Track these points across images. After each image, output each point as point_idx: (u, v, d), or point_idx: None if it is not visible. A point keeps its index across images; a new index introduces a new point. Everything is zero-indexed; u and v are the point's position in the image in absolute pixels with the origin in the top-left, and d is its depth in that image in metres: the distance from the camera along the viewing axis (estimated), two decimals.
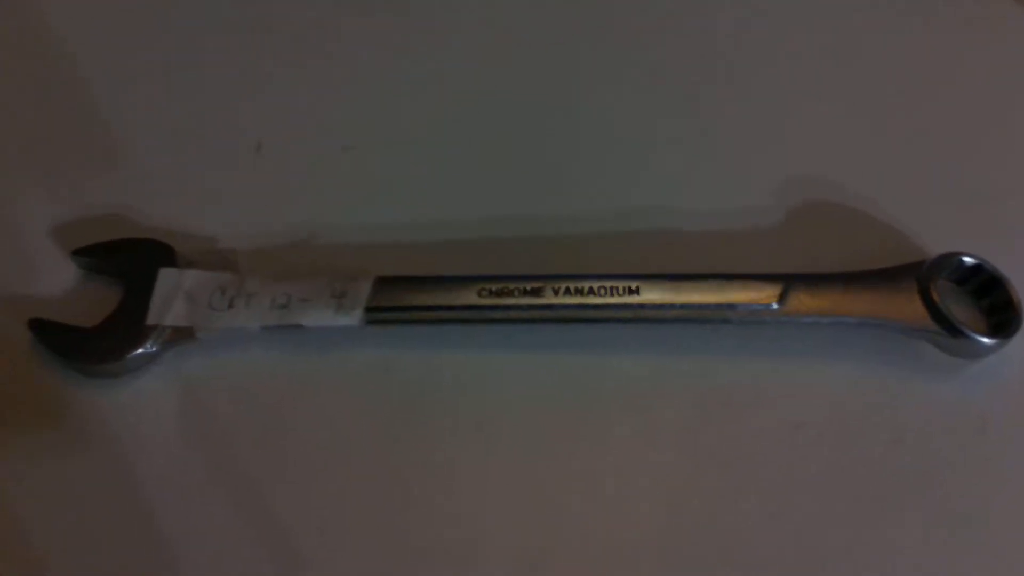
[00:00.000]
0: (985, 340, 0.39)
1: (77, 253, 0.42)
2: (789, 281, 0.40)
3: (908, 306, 0.40)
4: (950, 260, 0.41)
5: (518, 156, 0.47)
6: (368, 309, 0.40)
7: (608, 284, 0.40)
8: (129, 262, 0.41)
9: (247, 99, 0.49)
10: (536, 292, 0.40)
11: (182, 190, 0.45)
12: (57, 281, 0.42)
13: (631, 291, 0.40)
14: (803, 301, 0.40)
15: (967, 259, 0.41)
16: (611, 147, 0.47)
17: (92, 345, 0.39)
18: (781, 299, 0.40)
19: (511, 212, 0.45)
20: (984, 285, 0.41)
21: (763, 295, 0.40)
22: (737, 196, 0.45)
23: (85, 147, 0.47)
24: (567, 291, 0.40)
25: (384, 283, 0.41)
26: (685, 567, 0.37)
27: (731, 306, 0.40)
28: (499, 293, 0.40)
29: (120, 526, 0.37)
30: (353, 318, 0.40)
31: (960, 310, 0.40)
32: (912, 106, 0.49)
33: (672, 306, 0.40)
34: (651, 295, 0.40)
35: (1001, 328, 0.39)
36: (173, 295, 0.40)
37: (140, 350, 0.39)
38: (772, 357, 0.41)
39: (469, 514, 0.38)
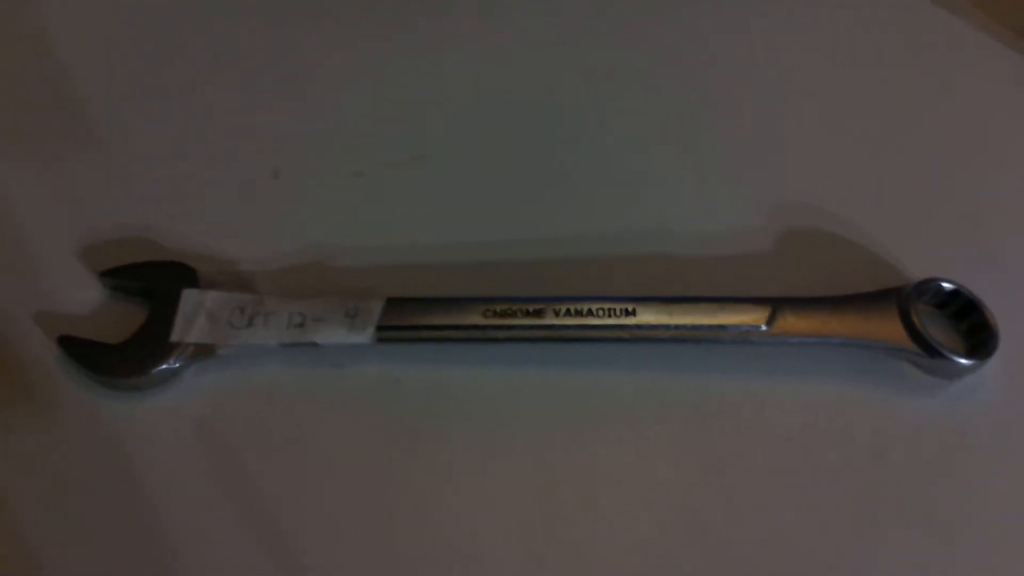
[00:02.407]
0: (963, 361, 0.41)
1: (104, 274, 0.44)
2: (777, 304, 0.42)
3: (890, 328, 0.42)
4: (929, 285, 0.43)
5: (521, 182, 0.50)
6: (379, 328, 0.42)
7: (606, 306, 0.42)
8: (154, 283, 0.44)
9: (265, 127, 0.51)
10: (538, 313, 0.43)
11: (204, 214, 0.48)
12: (84, 300, 0.45)
13: (627, 312, 0.42)
14: (790, 323, 0.42)
15: (946, 284, 0.43)
16: (611, 173, 0.50)
17: (118, 360, 0.41)
18: (770, 321, 0.42)
19: (515, 236, 0.47)
20: (962, 309, 0.43)
21: (752, 317, 0.42)
22: (729, 221, 0.48)
23: (111, 174, 0.49)
24: (567, 312, 0.42)
25: (394, 303, 0.43)
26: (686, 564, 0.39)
27: (722, 327, 0.42)
28: (503, 314, 0.43)
29: (140, 535, 0.39)
30: (365, 336, 0.42)
31: (939, 332, 0.43)
32: (897, 137, 0.51)
33: (666, 327, 0.42)
34: (646, 316, 0.42)
35: (978, 350, 0.42)
36: (196, 314, 0.43)
37: (164, 365, 0.41)
38: (761, 375, 0.43)
39: (471, 525, 0.40)
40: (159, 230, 0.47)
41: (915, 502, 0.40)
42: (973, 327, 0.43)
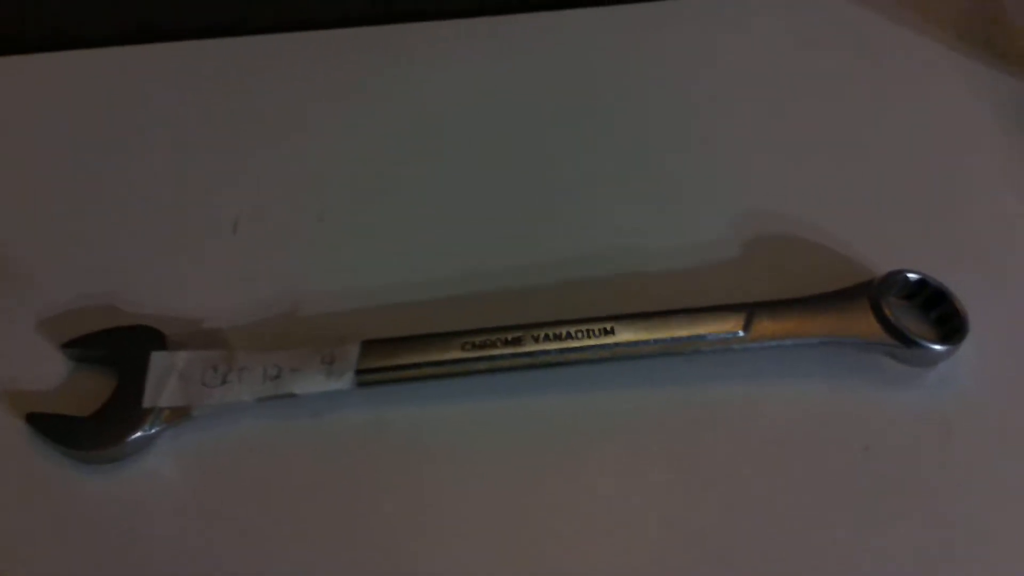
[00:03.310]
0: (937, 347, 0.42)
1: (67, 345, 0.43)
2: (752, 309, 0.43)
3: (864, 323, 0.42)
4: (896, 277, 0.44)
5: (485, 214, 0.49)
6: (358, 372, 0.42)
7: (584, 327, 0.42)
8: (120, 349, 0.43)
9: (220, 181, 0.50)
10: (517, 341, 0.42)
11: (164, 275, 0.47)
12: (49, 375, 0.43)
13: (606, 332, 0.42)
14: (767, 327, 0.42)
15: (911, 275, 0.44)
16: (575, 198, 0.50)
17: (91, 432, 0.40)
18: (746, 327, 0.42)
19: (484, 267, 0.47)
20: (929, 298, 0.44)
21: (729, 324, 0.42)
22: (695, 234, 0.48)
23: (64, 243, 0.48)
24: (546, 337, 0.42)
25: (371, 345, 0.42)
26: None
27: (701, 337, 0.42)
28: (482, 345, 0.42)
29: None
30: (344, 382, 0.41)
31: (911, 323, 0.43)
32: (848, 141, 0.52)
33: (646, 342, 0.42)
34: (625, 334, 0.42)
35: (950, 336, 0.42)
36: (167, 376, 0.42)
37: (139, 433, 0.40)
38: (743, 381, 0.43)
39: (470, 561, 0.39)
40: (120, 296, 0.46)
41: (908, 490, 0.40)
42: (942, 316, 0.44)
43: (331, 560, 0.39)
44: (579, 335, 0.42)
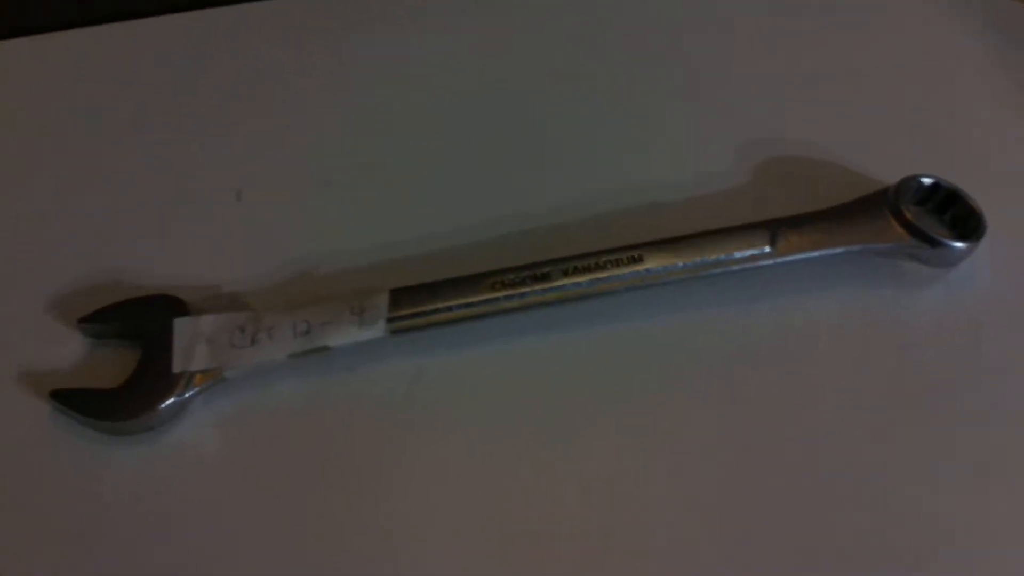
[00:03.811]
0: (960, 245, 0.42)
1: (84, 320, 0.42)
2: (776, 225, 0.43)
3: (886, 228, 0.43)
4: (911, 183, 0.44)
5: (498, 160, 0.49)
6: (389, 319, 0.41)
7: (613, 257, 0.42)
8: (140, 320, 0.41)
9: (220, 152, 0.49)
10: (546, 277, 0.42)
11: (174, 246, 0.46)
12: (67, 353, 0.42)
13: (635, 260, 0.42)
14: (792, 241, 0.43)
15: (925, 179, 0.44)
16: (586, 138, 0.50)
17: (123, 402, 0.39)
18: (772, 242, 0.42)
19: (501, 213, 0.47)
20: (943, 201, 0.45)
21: (756, 241, 0.42)
22: (706, 163, 0.48)
23: (71, 220, 0.46)
24: (575, 270, 0.42)
25: (399, 293, 0.42)
26: (739, 494, 0.39)
27: (729, 257, 0.42)
28: (511, 284, 0.42)
29: (175, 569, 0.37)
30: (377, 330, 0.41)
31: (929, 225, 0.44)
32: (842, 65, 0.53)
33: (675, 267, 0.42)
34: (654, 260, 0.42)
35: (970, 234, 0.43)
36: (194, 341, 0.40)
37: (172, 399, 0.39)
38: (773, 299, 0.43)
39: (516, 507, 0.39)
40: (129, 270, 0.44)
41: (946, 386, 0.41)
42: (956, 216, 0.44)
43: (380, 515, 0.38)
44: (608, 265, 0.42)
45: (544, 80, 0.53)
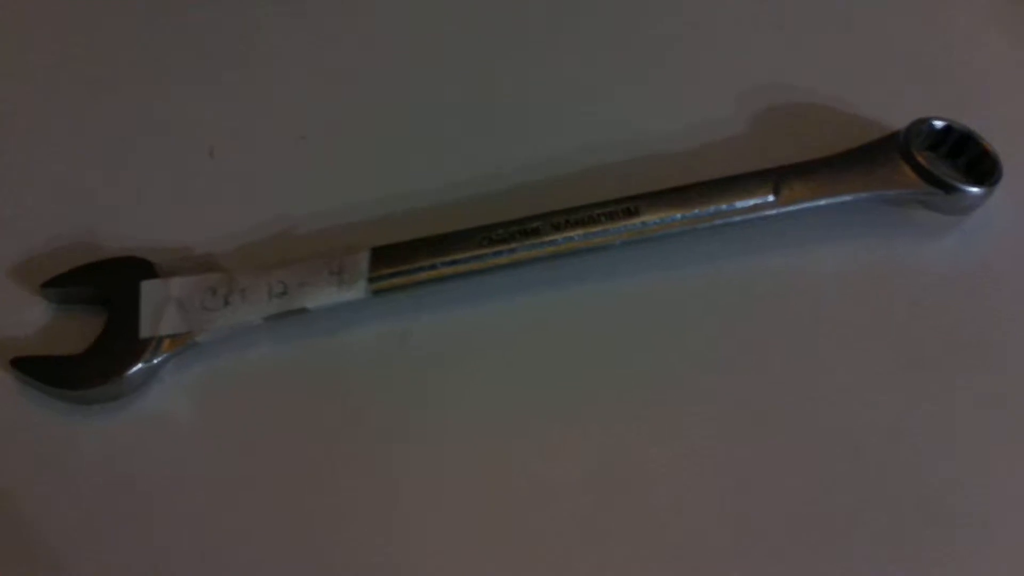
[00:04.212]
0: (975, 190, 0.40)
1: (47, 285, 0.39)
2: (780, 174, 0.40)
3: (897, 174, 0.41)
4: (922, 126, 0.42)
5: (481, 112, 0.46)
6: (370, 279, 0.38)
7: (607, 210, 0.40)
8: (106, 283, 0.39)
9: (188, 108, 0.46)
10: (536, 232, 0.40)
11: (142, 206, 0.43)
12: (29, 320, 0.39)
13: (630, 212, 0.40)
14: (797, 190, 0.40)
15: (936, 122, 0.42)
16: (573, 84, 0.47)
17: (87, 369, 0.37)
18: (776, 191, 0.40)
19: (486, 169, 0.44)
20: (956, 144, 0.42)
21: (758, 191, 0.40)
22: (702, 110, 0.46)
23: (34, 181, 0.44)
24: (567, 223, 0.39)
25: (380, 251, 0.39)
26: (742, 454, 0.37)
27: (731, 207, 0.40)
28: (500, 239, 0.39)
29: (144, 549, 0.35)
30: (358, 290, 0.38)
31: (942, 170, 0.41)
32: (836, 10, 0.50)
33: (673, 219, 0.40)
34: (650, 213, 0.40)
35: (984, 178, 0.41)
36: (163, 305, 0.38)
37: (139, 365, 0.37)
38: (777, 251, 0.41)
39: (504, 471, 0.37)
40: (96, 232, 0.42)
41: (961, 340, 0.39)
42: (971, 160, 0.42)
43: (362, 484, 0.36)
44: (602, 218, 0.40)
45: (531, 22, 0.50)
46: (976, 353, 0.38)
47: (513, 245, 0.39)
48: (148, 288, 0.38)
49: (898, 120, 0.43)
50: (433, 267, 0.39)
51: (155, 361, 0.37)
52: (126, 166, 0.44)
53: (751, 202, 0.40)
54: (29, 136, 0.45)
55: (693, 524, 0.36)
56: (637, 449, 0.37)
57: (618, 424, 0.37)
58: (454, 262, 0.39)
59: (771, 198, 0.40)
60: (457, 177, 0.44)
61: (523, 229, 0.40)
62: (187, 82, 0.48)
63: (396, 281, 0.39)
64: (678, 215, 0.40)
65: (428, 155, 0.45)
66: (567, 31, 0.49)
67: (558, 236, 0.39)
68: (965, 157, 0.42)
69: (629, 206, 0.40)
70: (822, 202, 0.40)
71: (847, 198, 0.40)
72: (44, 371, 0.37)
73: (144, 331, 0.37)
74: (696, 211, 0.40)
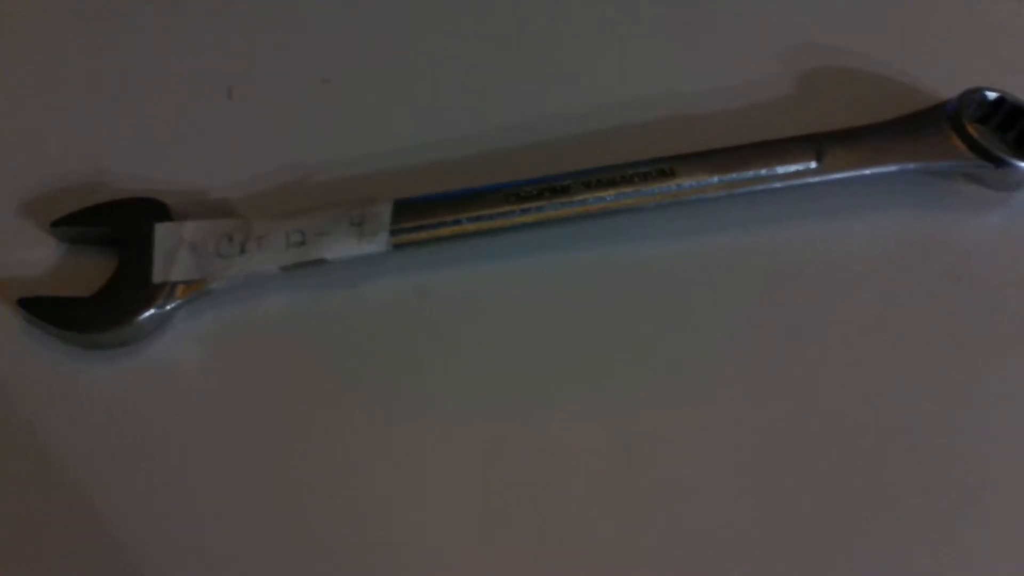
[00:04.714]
0: None
1: (57, 224, 0.38)
2: (823, 140, 0.39)
3: (945, 146, 0.39)
4: (974, 96, 0.40)
5: (514, 63, 0.44)
6: (392, 232, 0.37)
7: (641, 171, 0.38)
8: (119, 224, 0.38)
9: (208, 46, 0.45)
10: (566, 190, 0.38)
11: (158, 147, 0.41)
12: (39, 259, 0.38)
13: (665, 173, 0.38)
14: (840, 157, 0.38)
15: (989, 93, 0.40)
16: (612, 36, 0.45)
17: (97, 312, 0.35)
18: (819, 158, 0.38)
19: (517, 121, 0.42)
20: (1007, 118, 0.40)
21: (800, 156, 0.38)
22: (743, 71, 0.44)
23: (47, 112, 0.42)
24: (599, 183, 0.38)
25: (403, 204, 0.38)
26: (772, 428, 0.35)
27: (771, 172, 0.38)
28: (528, 197, 0.38)
29: (150, 497, 0.34)
30: (379, 243, 0.37)
31: (993, 143, 0.39)
32: None
33: (710, 182, 0.38)
34: (687, 175, 0.38)
35: None
36: (176, 249, 0.37)
37: (151, 311, 0.35)
38: (817, 219, 0.39)
39: (528, 431, 0.35)
40: (110, 171, 0.40)
41: (1006, 318, 0.37)
42: (1021, 135, 0.40)
43: (376, 438, 0.35)
44: (635, 179, 0.38)
45: None
46: (1018, 336, 0.37)
47: (541, 203, 0.38)
48: (162, 231, 0.37)
49: (948, 89, 0.41)
50: (457, 222, 0.38)
51: (167, 308, 0.36)
52: (142, 104, 0.43)
53: (792, 168, 0.38)
54: (42, 70, 0.44)
55: (715, 496, 0.34)
56: (660, 419, 0.36)
57: (641, 392, 0.36)
58: (479, 218, 0.38)
59: (813, 164, 0.38)
60: (485, 130, 0.42)
61: (552, 187, 0.38)
62: (208, 15, 0.46)
63: (418, 235, 0.37)
64: (715, 178, 0.38)
65: (456, 105, 0.43)
66: None
67: (589, 196, 0.38)
68: (1016, 131, 0.40)
69: (664, 167, 0.38)
70: (866, 171, 0.38)
71: (892, 168, 0.38)
72: (52, 313, 0.35)
73: (157, 276, 0.36)
74: (734, 175, 0.38)
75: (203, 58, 0.44)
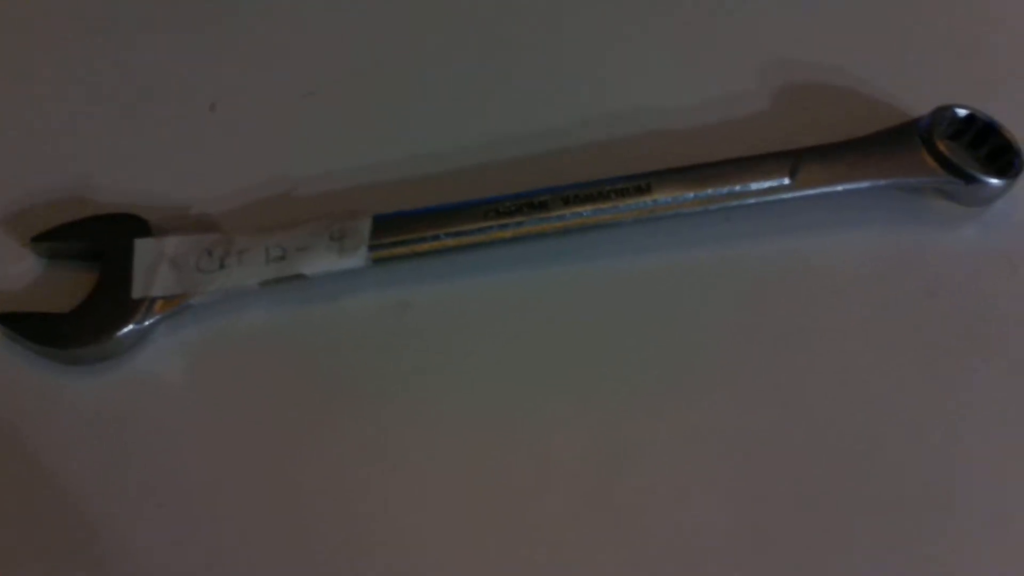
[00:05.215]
0: (996, 182, 0.39)
1: (38, 239, 0.38)
2: (798, 155, 0.39)
3: (917, 162, 0.39)
4: (945, 113, 0.40)
5: (490, 80, 0.45)
6: (371, 247, 0.37)
7: (618, 186, 0.38)
8: (98, 239, 0.38)
9: (191, 60, 0.45)
10: (543, 206, 0.38)
11: (140, 161, 0.42)
12: (18, 274, 0.38)
13: (641, 189, 0.39)
14: (815, 173, 0.39)
15: (960, 110, 0.41)
16: (585, 56, 0.45)
17: (77, 327, 0.35)
18: (793, 174, 0.39)
19: (493, 137, 0.43)
20: (978, 134, 0.41)
21: (774, 172, 0.39)
22: (718, 86, 0.44)
23: (26, 125, 0.42)
24: (577, 199, 0.38)
25: (383, 220, 0.38)
26: (749, 441, 0.36)
27: (745, 188, 0.39)
28: (506, 212, 0.38)
29: (130, 511, 0.34)
30: (358, 258, 0.37)
31: (964, 160, 0.40)
32: None
33: (686, 198, 0.38)
34: (663, 191, 0.39)
35: (1006, 170, 0.39)
36: (156, 264, 0.37)
37: (130, 326, 0.36)
38: (791, 235, 0.40)
39: (503, 445, 0.36)
40: (91, 186, 0.41)
41: (978, 334, 0.37)
42: (993, 151, 0.40)
43: (350, 456, 0.35)
44: (612, 195, 0.38)
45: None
46: (992, 346, 0.37)
47: (520, 219, 0.38)
48: (142, 246, 0.37)
49: (921, 105, 0.42)
50: (436, 238, 0.38)
51: (147, 323, 0.36)
52: (124, 117, 0.43)
53: (766, 184, 0.39)
54: (22, 83, 0.44)
55: (696, 506, 0.35)
56: (638, 430, 0.36)
57: (619, 404, 0.36)
58: (458, 233, 0.38)
59: (787, 180, 0.39)
60: (464, 145, 0.42)
61: (530, 202, 0.38)
62: (191, 30, 0.46)
63: (398, 251, 0.38)
64: (691, 194, 0.39)
65: (436, 121, 0.43)
66: (579, 2, 0.48)
67: (567, 211, 0.38)
68: (987, 147, 0.41)
69: (641, 183, 0.39)
70: (839, 187, 0.39)
71: (865, 184, 0.39)
72: (32, 328, 0.35)
73: (136, 291, 0.36)
74: (709, 191, 0.39)
75: (187, 72, 0.45)
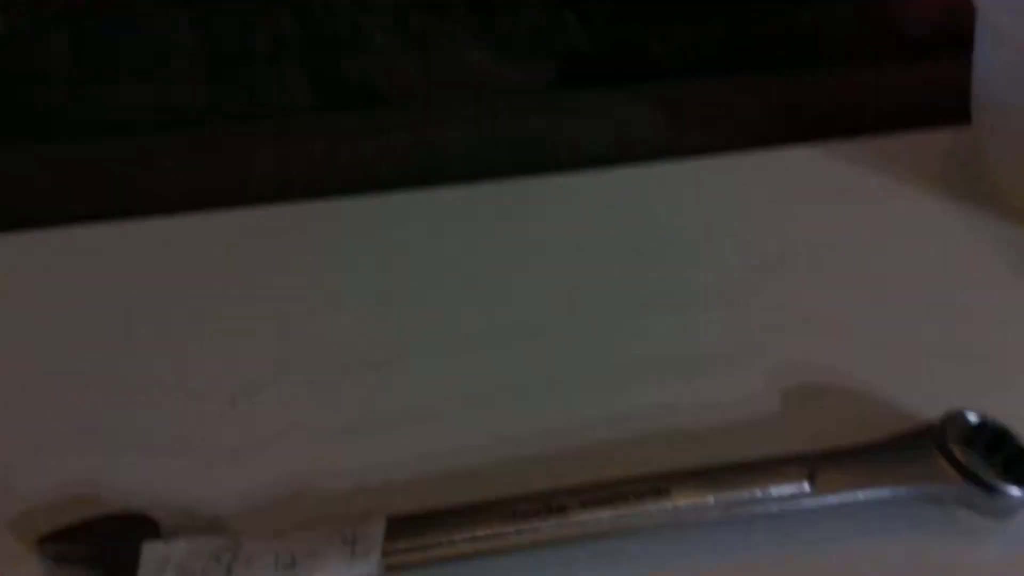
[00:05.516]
0: (1018, 492, 0.38)
1: (45, 541, 0.37)
2: (815, 460, 0.39)
3: (936, 470, 0.39)
4: (957, 419, 0.41)
5: (512, 377, 0.46)
6: (384, 552, 0.36)
7: (635, 488, 0.38)
8: (107, 542, 0.37)
9: (212, 354, 0.47)
10: (562, 509, 0.38)
11: (155, 456, 0.42)
12: None
13: (659, 492, 0.38)
14: (834, 479, 0.39)
15: (971, 416, 0.41)
16: (599, 360, 0.47)
17: None
18: (811, 479, 0.39)
19: (515, 433, 0.43)
20: (991, 441, 0.41)
21: (794, 477, 0.39)
22: (728, 389, 0.45)
23: (37, 421, 0.43)
24: (595, 501, 0.38)
25: (397, 522, 0.37)
26: None
27: (767, 495, 0.38)
28: (523, 515, 0.37)
29: None
30: (370, 565, 0.36)
31: (981, 469, 0.40)
32: (874, 285, 0.51)
33: (706, 504, 0.38)
34: (682, 494, 0.38)
35: None
36: (161, 571, 0.36)
37: None
38: (813, 545, 0.39)
39: None
40: (104, 484, 0.40)
41: None
42: (1008, 459, 0.40)
43: None
44: (631, 496, 0.38)
45: (566, 291, 0.51)
46: None
47: (537, 523, 0.37)
48: (149, 551, 0.36)
49: (928, 408, 0.43)
50: (451, 543, 0.37)
51: None
52: (139, 413, 0.44)
53: (788, 491, 0.38)
54: (35, 376, 0.45)
55: None
56: None
57: None
58: (474, 539, 0.37)
59: (807, 486, 0.38)
60: (482, 441, 0.43)
61: (549, 505, 0.38)
62: (209, 328, 0.48)
63: (411, 557, 0.37)
64: (711, 499, 0.38)
65: (454, 415, 0.44)
66: (597, 303, 0.50)
67: (587, 516, 0.38)
68: (1001, 455, 0.41)
69: (659, 485, 0.38)
70: (860, 495, 0.39)
71: (886, 492, 0.39)
72: None
73: None
74: (730, 495, 0.38)
75: (206, 367, 0.46)
